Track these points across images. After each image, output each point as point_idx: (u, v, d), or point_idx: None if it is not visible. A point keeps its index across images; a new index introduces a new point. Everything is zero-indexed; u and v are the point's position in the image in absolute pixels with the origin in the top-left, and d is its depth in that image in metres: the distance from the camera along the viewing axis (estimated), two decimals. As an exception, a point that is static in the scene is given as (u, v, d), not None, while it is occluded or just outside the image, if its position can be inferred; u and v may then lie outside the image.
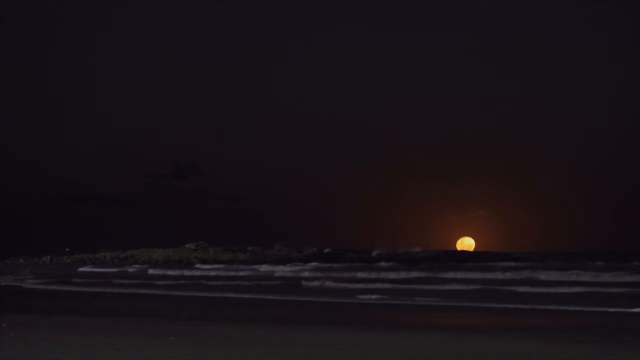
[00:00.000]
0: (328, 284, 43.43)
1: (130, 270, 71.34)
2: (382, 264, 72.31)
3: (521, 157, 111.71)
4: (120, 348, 14.27)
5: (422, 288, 39.40)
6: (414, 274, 52.34)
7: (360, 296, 34.18)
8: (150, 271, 67.29)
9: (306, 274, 55.89)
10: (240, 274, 60.00)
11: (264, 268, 68.63)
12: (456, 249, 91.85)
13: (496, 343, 16.11)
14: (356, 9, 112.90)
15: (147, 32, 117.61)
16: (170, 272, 63.75)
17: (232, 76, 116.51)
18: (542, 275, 47.54)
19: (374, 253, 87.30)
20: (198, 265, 75.41)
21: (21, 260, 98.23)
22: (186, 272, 62.64)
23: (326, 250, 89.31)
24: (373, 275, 52.61)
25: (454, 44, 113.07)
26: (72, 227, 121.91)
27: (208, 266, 75.18)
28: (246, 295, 36.38)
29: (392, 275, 52.02)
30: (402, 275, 52.06)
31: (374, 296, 33.64)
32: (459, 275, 50.59)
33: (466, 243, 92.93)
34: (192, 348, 14.35)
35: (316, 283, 44.21)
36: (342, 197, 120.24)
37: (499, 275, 49.91)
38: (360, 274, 52.85)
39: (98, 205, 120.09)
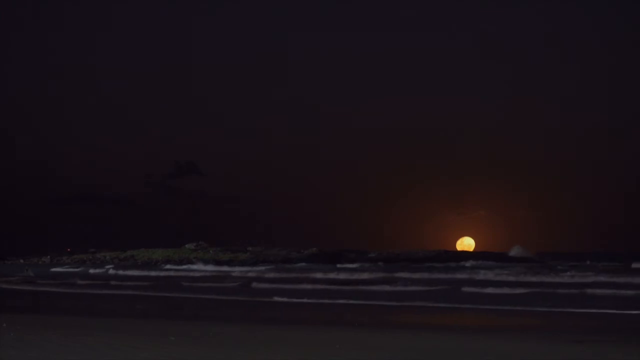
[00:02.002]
0: (277, 285, 43.27)
1: (92, 271, 70.62)
2: (345, 264, 72.60)
3: (521, 157, 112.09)
4: (119, 348, 14.12)
5: (383, 289, 39.68)
6: (377, 275, 52.58)
7: (287, 299, 33.75)
8: (112, 272, 66.87)
9: (265, 275, 55.76)
10: (198, 274, 59.86)
11: (209, 267, 69.10)
12: (456, 249, 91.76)
13: (495, 343, 16.25)
14: (356, 10, 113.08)
15: (147, 32, 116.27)
16: (131, 273, 63.39)
17: (232, 76, 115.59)
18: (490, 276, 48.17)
19: (372, 253, 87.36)
20: (169, 266, 75.17)
21: (21, 261, 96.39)
22: (151, 273, 62.42)
23: (325, 251, 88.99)
24: (338, 276, 52.69)
25: (453, 44, 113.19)
26: (72, 227, 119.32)
27: (170, 266, 75.27)
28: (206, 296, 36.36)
29: (364, 275, 52.51)
30: (365, 276, 52.41)
31: (341, 300, 33.27)
32: (426, 275, 51.04)
33: (466, 243, 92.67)
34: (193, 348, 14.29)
35: (266, 285, 44.12)
36: (342, 198, 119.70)
37: (465, 274, 50.51)
38: (318, 275, 52.90)
39: (98, 205, 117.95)
